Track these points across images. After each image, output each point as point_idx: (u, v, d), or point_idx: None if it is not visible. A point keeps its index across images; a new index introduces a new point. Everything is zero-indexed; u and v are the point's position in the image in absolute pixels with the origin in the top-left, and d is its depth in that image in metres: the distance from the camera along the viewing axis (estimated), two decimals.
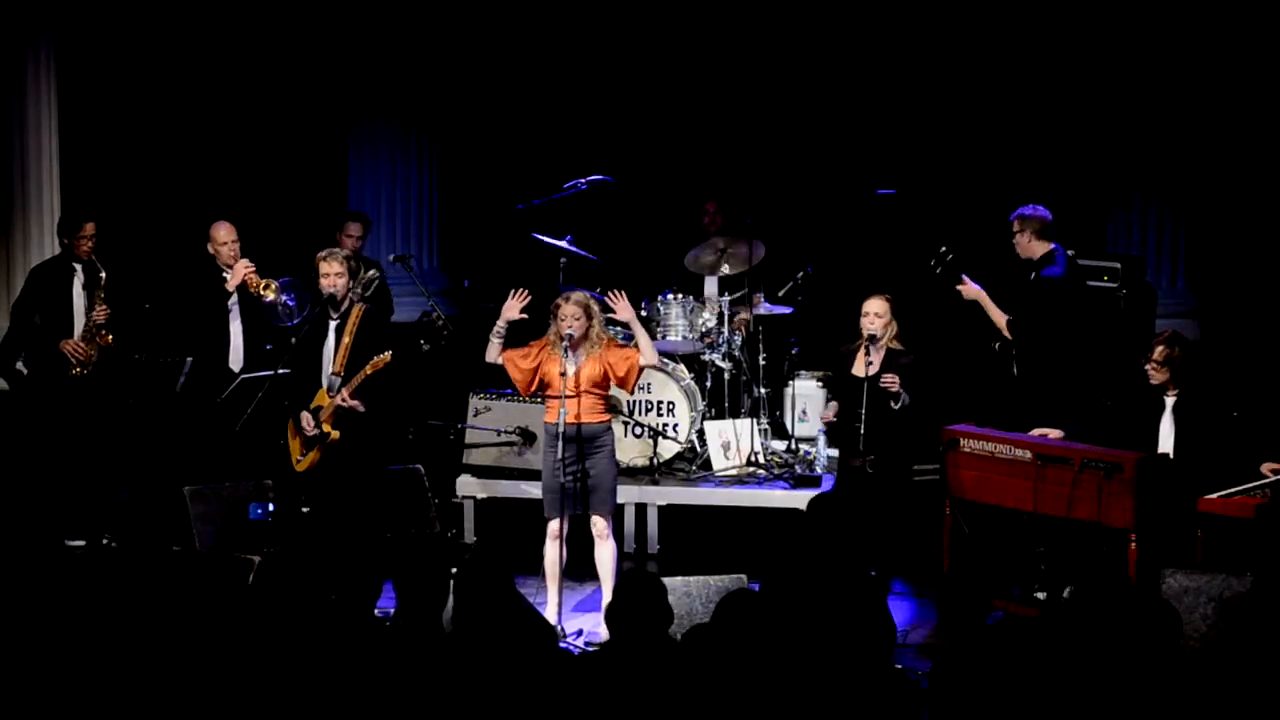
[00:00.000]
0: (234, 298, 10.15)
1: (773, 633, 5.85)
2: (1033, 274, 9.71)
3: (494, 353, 8.70)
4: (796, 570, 6.33)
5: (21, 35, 10.57)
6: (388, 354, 8.87)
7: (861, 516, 8.84)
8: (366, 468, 9.16)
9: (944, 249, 10.02)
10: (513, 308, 8.69)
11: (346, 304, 9.09)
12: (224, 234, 10.21)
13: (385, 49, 12.63)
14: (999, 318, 9.76)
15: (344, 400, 8.93)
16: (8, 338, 10.23)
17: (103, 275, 9.95)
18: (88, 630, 6.16)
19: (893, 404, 8.88)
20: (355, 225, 10.89)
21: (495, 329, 8.69)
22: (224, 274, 10.16)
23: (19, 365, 10.12)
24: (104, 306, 9.94)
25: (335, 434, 9.01)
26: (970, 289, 9.76)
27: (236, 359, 10.18)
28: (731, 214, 11.36)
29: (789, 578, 6.38)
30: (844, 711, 5.55)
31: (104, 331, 9.95)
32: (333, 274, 9.02)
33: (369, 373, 8.88)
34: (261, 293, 10.10)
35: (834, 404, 9.29)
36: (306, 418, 9.03)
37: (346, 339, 8.99)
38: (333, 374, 9.01)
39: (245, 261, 10.13)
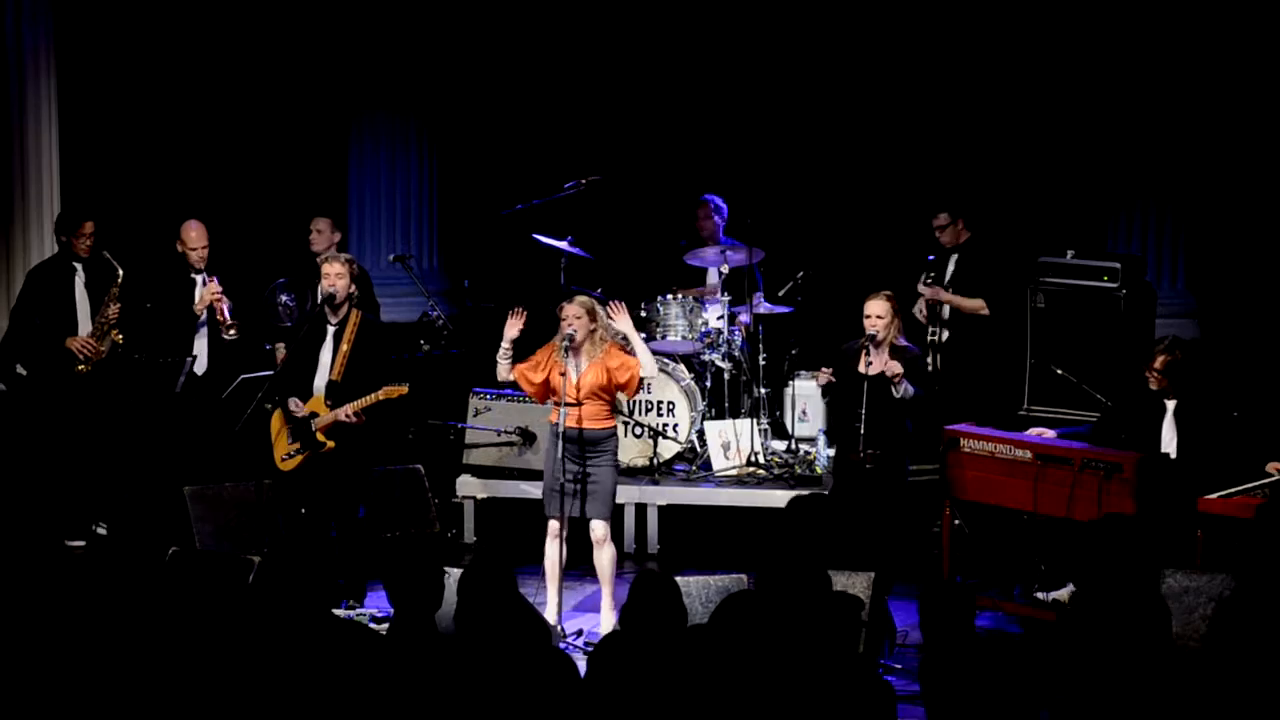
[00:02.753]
0: (203, 315, 10.11)
1: (768, 633, 5.86)
2: (956, 255, 10.52)
3: (504, 371, 8.71)
4: (782, 569, 6.34)
5: (21, 34, 10.56)
6: (404, 387, 8.76)
7: (851, 513, 8.87)
8: (359, 474, 9.10)
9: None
10: (513, 326, 8.68)
11: (346, 308, 8.99)
12: (194, 237, 10.11)
13: (385, 48, 12.63)
14: (973, 304, 10.38)
15: (347, 417, 8.86)
16: (6, 339, 10.21)
17: (120, 273, 9.96)
18: (88, 630, 6.15)
19: (894, 391, 8.77)
20: (322, 221, 10.60)
21: (501, 350, 8.67)
22: (193, 275, 10.11)
23: (18, 368, 10.11)
24: (118, 304, 9.95)
25: (330, 444, 8.96)
26: (935, 293, 10.39)
27: (200, 364, 10.11)
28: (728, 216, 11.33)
29: (777, 577, 6.40)
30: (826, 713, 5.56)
31: (115, 329, 9.97)
32: (333, 274, 8.90)
33: (380, 398, 8.80)
34: (223, 331, 10.03)
35: (827, 370, 9.10)
36: (295, 400, 8.89)
37: (345, 346, 8.89)
38: (331, 380, 8.94)
39: (214, 287, 10.03)
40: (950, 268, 10.56)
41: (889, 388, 8.82)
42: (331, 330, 8.97)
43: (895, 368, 8.73)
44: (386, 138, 12.86)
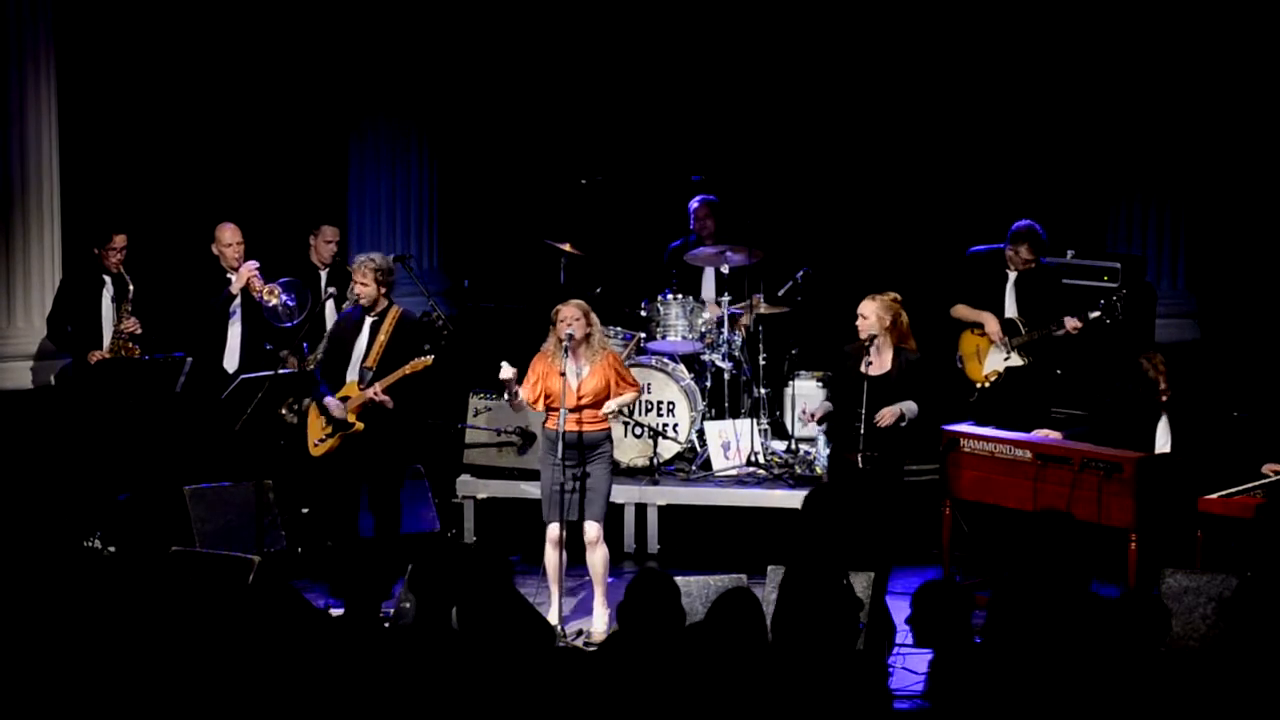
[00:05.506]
0: (237, 299, 10.19)
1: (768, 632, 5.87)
2: (1015, 276, 10.13)
3: (527, 396, 8.72)
4: (800, 567, 6.37)
5: (22, 33, 10.56)
6: (430, 357, 8.91)
7: (855, 511, 8.88)
8: (388, 461, 9.17)
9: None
10: (505, 371, 8.74)
11: (384, 305, 9.12)
12: (229, 235, 10.25)
13: (385, 49, 12.62)
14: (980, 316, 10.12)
15: (376, 394, 8.95)
16: (46, 342, 10.46)
17: (131, 288, 10.02)
18: (89, 630, 6.16)
19: (900, 424, 8.86)
20: (330, 230, 10.71)
21: (514, 393, 8.71)
22: (228, 275, 10.19)
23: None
24: (133, 318, 10.00)
25: (360, 425, 9.03)
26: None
27: (232, 360, 10.19)
28: (725, 216, 11.33)
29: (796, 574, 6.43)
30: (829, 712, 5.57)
31: (131, 344, 10.00)
32: (359, 284, 9.10)
33: (408, 372, 8.92)
34: (265, 297, 10.12)
35: (826, 404, 9.26)
36: (335, 402, 9.04)
37: (382, 337, 9.07)
38: (364, 367, 9.07)
39: (251, 264, 10.16)
40: (1011, 288, 10.24)
41: (888, 389, 8.83)
42: (370, 322, 9.14)
43: (887, 419, 8.75)
44: (387, 138, 12.85)
